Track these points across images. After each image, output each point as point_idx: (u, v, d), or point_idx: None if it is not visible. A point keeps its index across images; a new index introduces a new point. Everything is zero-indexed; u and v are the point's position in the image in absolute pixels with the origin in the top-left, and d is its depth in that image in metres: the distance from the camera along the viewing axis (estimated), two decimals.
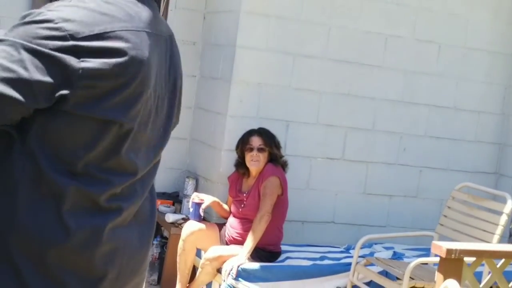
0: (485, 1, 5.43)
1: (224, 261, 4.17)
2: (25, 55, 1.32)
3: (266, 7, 4.79)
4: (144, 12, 1.49)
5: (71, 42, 1.33)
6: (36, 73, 1.32)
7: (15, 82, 1.32)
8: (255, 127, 4.54)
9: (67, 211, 1.41)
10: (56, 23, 1.33)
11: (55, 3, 1.39)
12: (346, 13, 5.02)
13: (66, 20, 1.34)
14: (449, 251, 2.64)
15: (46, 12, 1.35)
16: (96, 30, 1.35)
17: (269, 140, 4.41)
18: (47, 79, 1.33)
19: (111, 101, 1.38)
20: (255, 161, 4.33)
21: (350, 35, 5.06)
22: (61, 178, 1.39)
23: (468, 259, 2.76)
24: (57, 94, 1.34)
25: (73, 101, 1.35)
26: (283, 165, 4.48)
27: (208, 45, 5.19)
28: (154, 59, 1.48)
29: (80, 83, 1.34)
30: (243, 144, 4.41)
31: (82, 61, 1.33)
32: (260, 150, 4.34)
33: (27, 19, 1.35)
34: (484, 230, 4.22)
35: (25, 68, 1.32)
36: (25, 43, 1.32)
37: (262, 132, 4.44)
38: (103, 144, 1.41)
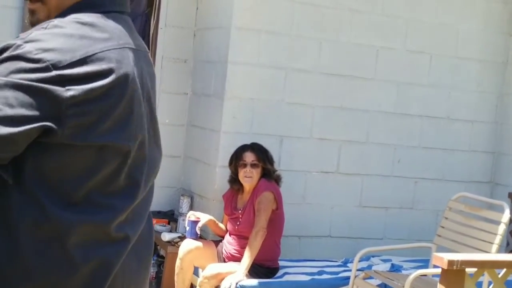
0: (475, 11, 5.47)
1: (222, 279, 4.14)
2: (8, 92, 1.28)
3: (257, 23, 4.81)
4: (121, 28, 1.47)
5: (54, 72, 1.29)
6: (21, 108, 1.28)
7: (1, 120, 1.28)
8: (249, 143, 4.54)
9: (74, 246, 1.38)
10: (36, 54, 1.30)
11: (32, 32, 1.35)
12: (336, 27, 5.04)
13: (46, 50, 1.30)
14: (450, 263, 2.63)
15: (23, 44, 1.31)
16: (78, 55, 1.33)
17: (262, 155, 4.41)
18: (34, 113, 1.29)
19: (104, 125, 1.36)
20: (249, 177, 4.33)
21: (342, 48, 5.07)
22: (65, 214, 1.36)
23: (469, 270, 2.75)
24: (46, 126, 1.30)
25: (67, 132, 1.32)
26: (277, 180, 4.47)
27: (199, 62, 5.20)
28: (139, 75, 1.46)
29: (69, 112, 1.31)
30: (236, 160, 4.41)
31: (68, 89, 1.30)
32: (253, 165, 4.34)
33: (5, 55, 1.32)
34: (482, 240, 4.21)
35: (10, 105, 1.28)
36: (6, 79, 1.29)
37: (255, 148, 4.44)
38: (103, 170, 1.39)
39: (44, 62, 1.29)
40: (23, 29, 4.78)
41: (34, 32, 1.34)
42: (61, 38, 1.33)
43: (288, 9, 4.88)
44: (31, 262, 1.36)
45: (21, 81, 1.29)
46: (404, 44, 5.26)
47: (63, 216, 1.35)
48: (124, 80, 1.39)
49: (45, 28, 1.36)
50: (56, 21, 1.38)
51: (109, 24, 1.44)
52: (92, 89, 1.32)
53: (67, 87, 1.30)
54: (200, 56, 5.18)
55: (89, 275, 1.39)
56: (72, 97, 1.30)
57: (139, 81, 1.46)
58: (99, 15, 1.44)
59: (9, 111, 1.28)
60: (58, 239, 1.36)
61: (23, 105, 1.28)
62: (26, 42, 1.32)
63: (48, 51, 1.30)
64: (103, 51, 1.37)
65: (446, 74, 5.43)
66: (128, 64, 1.41)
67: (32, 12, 1.49)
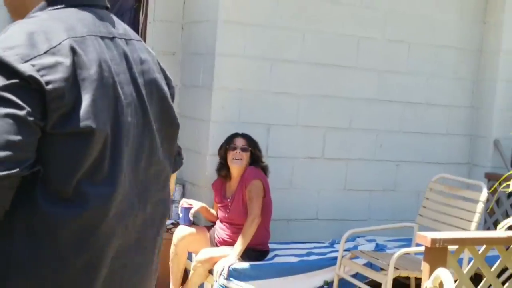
0: (451, 1, 5.47)
1: (215, 262, 4.15)
2: (7, 95, 1.28)
3: (243, 16, 4.79)
4: (87, 18, 1.45)
5: (26, 64, 1.29)
6: (26, 104, 1.29)
7: (19, 119, 1.28)
8: (238, 131, 4.53)
9: (64, 240, 1.35)
10: (4, 52, 1.29)
11: None
12: (319, 18, 5.03)
13: (11, 48, 1.30)
14: (433, 241, 2.64)
15: None
16: (44, 48, 1.32)
17: (252, 142, 4.42)
18: (33, 106, 1.29)
19: (78, 111, 1.34)
20: (238, 159, 4.32)
21: (324, 38, 5.07)
22: (56, 209, 1.34)
23: (451, 247, 2.75)
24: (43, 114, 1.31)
25: (50, 121, 1.31)
26: (264, 170, 4.45)
27: (187, 55, 5.19)
28: (106, 59, 1.43)
29: (52, 105, 1.31)
30: (227, 145, 4.40)
31: (47, 82, 1.30)
32: (243, 149, 4.34)
33: None
34: (462, 218, 4.24)
35: (19, 106, 1.28)
36: None
37: (246, 135, 4.46)
38: (86, 157, 1.35)
39: (13, 56, 1.29)
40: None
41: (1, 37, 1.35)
42: (23, 35, 1.33)
43: (272, 2, 4.87)
44: (23, 257, 1.34)
45: (7, 83, 1.28)
46: (383, 34, 5.26)
47: (55, 211, 1.33)
48: (90, 67, 1.37)
49: (6, 31, 1.36)
50: (17, 22, 1.39)
51: (71, 16, 1.43)
52: (61, 78, 1.31)
53: (45, 79, 1.29)
54: (188, 49, 5.17)
55: (80, 269, 1.38)
56: (54, 89, 1.30)
57: (113, 67, 1.44)
58: (60, 10, 1.44)
59: (19, 112, 1.28)
60: (50, 234, 1.34)
61: (24, 101, 1.28)
62: None
63: (13, 48, 1.30)
64: (65, 40, 1.36)
65: (424, 62, 5.43)
66: (92, 52, 1.39)
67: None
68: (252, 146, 4.39)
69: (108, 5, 1.56)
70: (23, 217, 1.33)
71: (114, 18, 1.55)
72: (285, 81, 4.98)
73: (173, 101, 1.66)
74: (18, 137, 1.26)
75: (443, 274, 1.94)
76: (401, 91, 5.38)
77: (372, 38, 5.23)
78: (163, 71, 1.65)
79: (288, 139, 5.03)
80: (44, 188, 1.33)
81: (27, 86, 1.28)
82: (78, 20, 1.43)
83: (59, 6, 1.45)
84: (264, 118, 4.93)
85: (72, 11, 1.45)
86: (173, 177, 1.75)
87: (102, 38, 1.45)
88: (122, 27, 1.55)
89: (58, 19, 1.41)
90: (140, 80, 1.52)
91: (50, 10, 1.44)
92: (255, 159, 4.40)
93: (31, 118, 1.27)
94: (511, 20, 5.47)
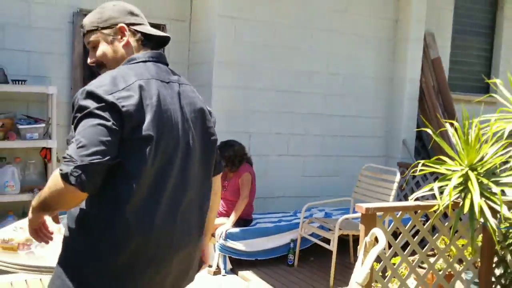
0: (371, 45, 5.46)
1: (217, 228, 4.14)
2: (99, 112, 1.35)
3: (231, 58, 4.74)
4: (151, 68, 1.51)
5: (110, 96, 1.36)
6: (112, 120, 1.35)
7: (107, 127, 1.35)
8: (229, 138, 4.44)
9: (133, 215, 1.37)
10: (96, 89, 1.37)
11: (92, 81, 1.42)
12: (283, 59, 5.00)
13: (101, 86, 1.38)
14: (367, 209, 2.62)
15: (86, 87, 1.39)
16: (120, 87, 1.40)
17: (222, 152, 4.02)
18: (115, 120, 1.36)
19: (144, 124, 1.39)
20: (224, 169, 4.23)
21: (286, 73, 5.04)
22: (131, 193, 1.35)
23: (378, 213, 2.71)
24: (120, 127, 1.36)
25: (126, 131, 1.36)
26: (249, 161, 4.32)
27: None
28: (164, 94, 1.47)
29: (125, 119, 1.37)
30: None
31: (123, 106, 1.36)
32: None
33: (76, 102, 1.38)
34: (383, 193, 4.26)
35: (106, 119, 1.35)
36: (89, 110, 1.35)
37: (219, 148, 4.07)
38: (150, 156, 1.38)
39: (102, 91, 1.37)
40: (72, 73, 4.43)
41: (94, 80, 1.43)
42: (109, 78, 1.41)
43: (250, 48, 4.84)
44: (107, 220, 1.37)
45: (98, 111, 1.35)
46: (326, 69, 5.23)
47: (130, 194, 1.36)
48: (150, 97, 1.42)
49: (100, 77, 1.44)
50: (107, 72, 1.47)
51: (140, 67, 1.50)
52: (131, 103, 1.38)
53: (121, 104, 1.35)
54: (193, 83, 5.02)
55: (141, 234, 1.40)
56: (126, 110, 1.37)
57: (168, 99, 1.47)
58: (134, 64, 1.51)
59: (107, 123, 1.35)
60: (123, 209, 1.36)
61: (112, 119, 1.35)
62: (87, 86, 1.39)
63: (103, 86, 1.38)
64: (135, 82, 1.42)
65: (354, 87, 5.41)
66: (154, 89, 1.44)
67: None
68: (225, 155, 4.11)
69: (167, 62, 1.60)
70: (109, 197, 1.36)
71: (171, 70, 1.60)
72: (260, 103, 4.94)
73: (214, 126, 1.66)
74: (106, 138, 1.32)
75: (377, 231, 1.95)
76: (339, 108, 5.36)
77: (319, 72, 5.20)
78: (204, 104, 1.66)
79: (263, 143, 4.99)
80: (124, 178, 1.36)
81: (110, 109, 1.35)
82: (145, 69, 1.51)
83: (133, 62, 1.52)
84: (246, 128, 4.89)
85: (141, 65, 1.52)
86: (218, 178, 1.73)
87: (161, 81, 1.51)
88: (176, 76, 1.59)
89: (132, 69, 1.49)
90: (187, 109, 1.54)
91: (128, 64, 1.51)
92: (241, 155, 4.22)
93: (114, 127, 1.34)
94: (412, 59, 5.46)
